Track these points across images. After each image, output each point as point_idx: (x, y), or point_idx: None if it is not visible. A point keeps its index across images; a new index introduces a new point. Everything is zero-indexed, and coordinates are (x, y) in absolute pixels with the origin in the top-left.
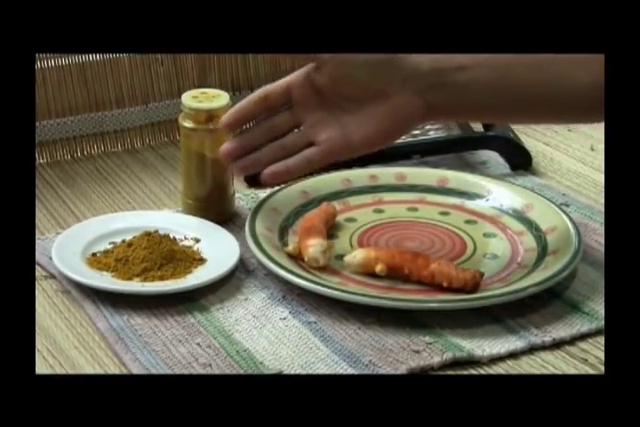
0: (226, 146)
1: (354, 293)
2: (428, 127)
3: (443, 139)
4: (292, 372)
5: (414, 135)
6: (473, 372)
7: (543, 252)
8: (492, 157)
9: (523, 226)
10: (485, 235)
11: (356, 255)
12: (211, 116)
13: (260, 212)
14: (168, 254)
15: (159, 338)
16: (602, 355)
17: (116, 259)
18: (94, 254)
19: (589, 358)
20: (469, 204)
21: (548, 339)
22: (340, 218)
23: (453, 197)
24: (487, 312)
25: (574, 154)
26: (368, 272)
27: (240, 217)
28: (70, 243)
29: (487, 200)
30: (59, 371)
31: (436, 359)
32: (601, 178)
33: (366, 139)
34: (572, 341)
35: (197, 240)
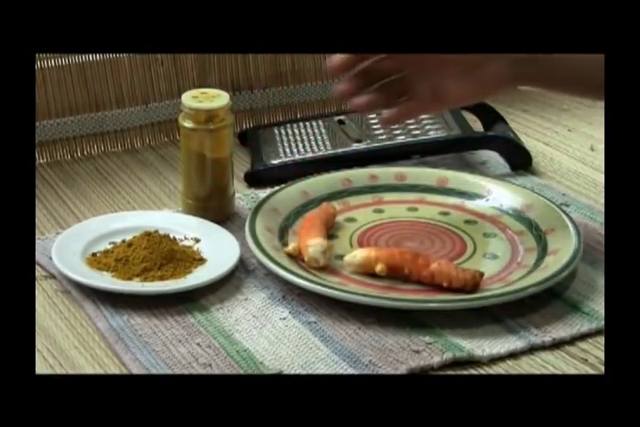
0: (341, 86)
1: (354, 293)
2: (428, 127)
3: (443, 139)
4: (292, 372)
5: (414, 135)
6: (473, 372)
7: (543, 252)
8: (492, 157)
9: (523, 226)
10: (485, 235)
11: (356, 255)
12: (211, 116)
13: (259, 212)
14: (168, 254)
15: (159, 338)
16: (602, 355)
17: (115, 259)
18: (94, 254)
19: (589, 358)
20: (469, 204)
21: (547, 339)
22: (339, 218)
23: (453, 197)
24: (487, 312)
25: (574, 154)
26: (368, 272)
27: (240, 217)
28: (70, 243)
29: (487, 200)
30: (59, 371)
31: (436, 359)
32: (601, 178)
33: (456, 98)
34: (572, 341)
35: (197, 240)
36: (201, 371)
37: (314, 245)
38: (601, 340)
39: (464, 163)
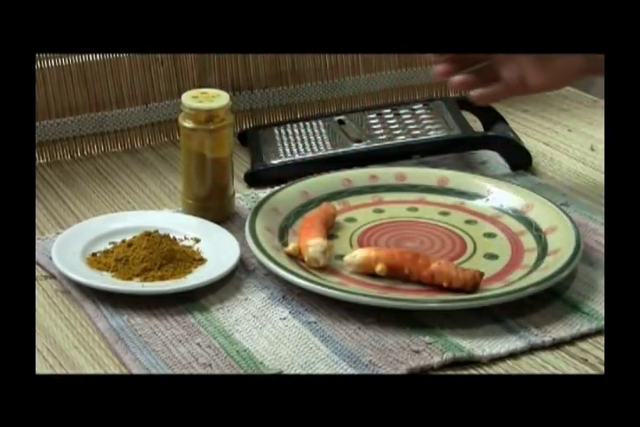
0: (440, 67)
1: (354, 293)
2: (428, 127)
3: (443, 139)
4: (292, 372)
5: (414, 135)
6: (473, 372)
7: (543, 252)
8: (492, 157)
9: (523, 226)
10: (485, 235)
11: (356, 255)
12: (211, 116)
13: (259, 212)
14: (168, 254)
15: (159, 338)
16: (602, 355)
17: (115, 259)
18: (94, 254)
19: (589, 358)
20: (469, 204)
21: (547, 339)
22: (339, 218)
23: (453, 197)
24: (487, 312)
25: (574, 154)
26: (368, 272)
27: (240, 217)
28: (70, 243)
29: (487, 200)
30: (59, 371)
31: (436, 359)
32: (601, 178)
33: (539, 84)
34: (572, 341)
35: (197, 240)
36: (201, 371)
37: (314, 245)
38: (601, 340)
39: (464, 163)
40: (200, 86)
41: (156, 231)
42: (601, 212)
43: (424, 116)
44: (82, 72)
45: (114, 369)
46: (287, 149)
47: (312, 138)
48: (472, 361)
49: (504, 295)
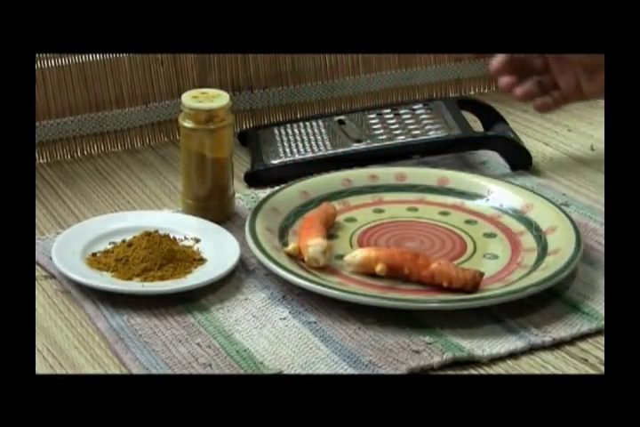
0: (505, 79)
1: (354, 293)
2: (428, 127)
3: (443, 139)
4: (292, 372)
5: (414, 135)
6: (473, 372)
7: (543, 252)
8: (492, 157)
9: (523, 226)
10: (485, 235)
11: (356, 255)
12: (211, 116)
13: (259, 212)
14: (168, 254)
15: (159, 338)
16: (602, 355)
17: (116, 259)
18: (94, 254)
19: (589, 358)
20: (469, 204)
21: (547, 339)
22: (340, 218)
23: (453, 197)
24: (487, 312)
25: (574, 154)
26: (368, 272)
27: (240, 217)
28: (70, 243)
29: (487, 200)
30: (59, 371)
31: (436, 359)
32: (601, 178)
33: (593, 90)
34: (572, 341)
35: (197, 240)
36: (201, 371)
37: (314, 245)
38: (601, 340)
39: (464, 163)
40: (200, 86)
41: (156, 231)
42: (601, 212)
43: (424, 116)
44: (82, 72)
45: (114, 369)
46: (287, 149)
47: (312, 138)
48: (472, 361)
49: (504, 295)
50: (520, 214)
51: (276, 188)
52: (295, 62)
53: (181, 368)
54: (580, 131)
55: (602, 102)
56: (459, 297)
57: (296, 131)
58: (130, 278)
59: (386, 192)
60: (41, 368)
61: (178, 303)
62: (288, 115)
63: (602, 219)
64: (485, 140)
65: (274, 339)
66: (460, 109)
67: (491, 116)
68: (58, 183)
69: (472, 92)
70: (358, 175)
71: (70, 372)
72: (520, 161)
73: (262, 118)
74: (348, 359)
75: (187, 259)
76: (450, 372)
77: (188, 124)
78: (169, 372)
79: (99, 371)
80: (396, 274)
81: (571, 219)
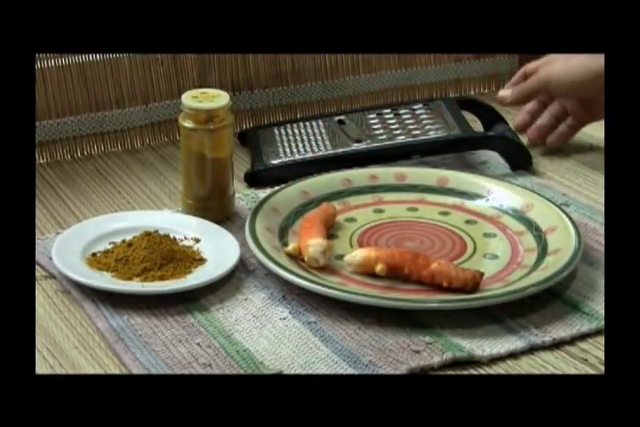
0: (520, 119)
1: (354, 293)
2: (428, 127)
3: (443, 139)
4: (292, 372)
5: (414, 135)
6: (473, 372)
7: (543, 252)
8: (492, 157)
9: (523, 226)
10: (485, 235)
11: (356, 255)
12: (211, 116)
13: (259, 212)
14: (168, 254)
15: (159, 338)
16: (602, 355)
17: (116, 259)
18: (94, 254)
19: (589, 358)
20: (469, 204)
21: (547, 339)
22: (340, 218)
23: (453, 197)
24: (487, 312)
25: (574, 154)
26: (368, 272)
27: (240, 217)
28: (70, 243)
29: (487, 200)
30: (59, 371)
31: (436, 359)
32: (601, 178)
33: (594, 116)
34: (572, 341)
35: (197, 240)
36: (201, 371)
37: (314, 245)
38: (601, 340)
39: (464, 163)
40: (200, 86)
41: (156, 231)
42: (601, 212)
43: (424, 116)
44: (82, 72)
45: (114, 369)
46: (287, 149)
47: (312, 138)
48: (472, 361)
49: (504, 295)
50: (520, 214)
51: (276, 188)
52: (295, 62)
53: (181, 368)
54: (580, 131)
55: None
56: (459, 297)
57: (296, 131)
58: (130, 278)
59: (386, 192)
60: (41, 368)
61: (178, 303)
62: (288, 115)
63: (602, 219)
64: (485, 140)
65: (274, 339)
66: (459, 109)
67: (491, 116)
68: (58, 183)
69: (472, 92)
70: (358, 175)
71: (70, 372)
72: (520, 161)
73: (262, 118)
74: (348, 359)
75: (187, 259)
76: (450, 372)
77: (187, 124)
78: (169, 372)
79: (99, 371)
80: (396, 274)
81: (571, 219)
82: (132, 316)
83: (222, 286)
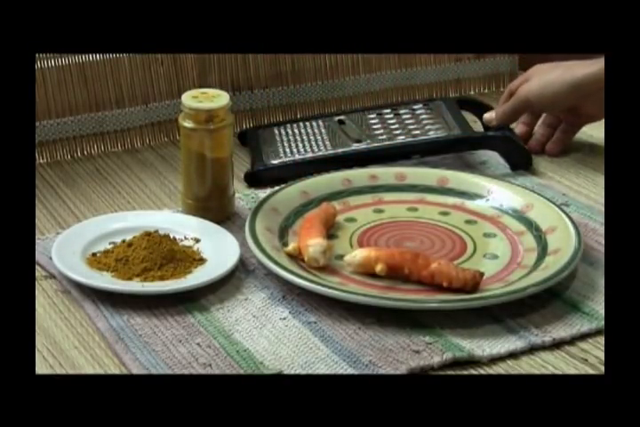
0: (519, 131)
1: (354, 293)
2: (428, 127)
3: (443, 139)
4: (292, 372)
5: (414, 135)
6: (473, 372)
7: (543, 252)
8: (492, 157)
9: (523, 226)
10: (485, 235)
11: (356, 255)
12: (211, 116)
13: (259, 212)
14: (168, 254)
15: (159, 338)
16: (602, 355)
17: (116, 259)
18: (94, 254)
19: (589, 358)
20: (469, 204)
21: (547, 339)
22: (340, 218)
23: (453, 197)
24: (487, 312)
25: (574, 154)
26: (368, 272)
27: (240, 217)
28: (70, 243)
29: (487, 200)
30: (59, 371)
31: (436, 359)
32: (601, 178)
33: (596, 113)
34: (572, 341)
35: (197, 240)
36: (201, 371)
37: (314, 245)
38: (601, 340)
39: (464, 163)
40: (200, 86)
41: (156, 231)
42: (601, 212)
43: (424, 116)
44: (82, 72)
45: (114, 369)
46: (287, 149)
47: (312, 138)
48: (472, 361)
49: (504, 295)
50: (520, 214)
51: (276, 188)
52: (295, 62)
53: (181, 368)
54: (580, 131)
55: None
56: (459, 297)
57: (296, 131)
58: (130, 278)
59: (386, 192)
60: (41, 368)
61: (178, 303)
62: (288, 115)
63: (602, 219)
64: (485, 140)
65: (274, 339)
66: (459, 109)
67: None
68: (58, 183)
69: (472, 92)
70: (358, 175)
71: (70, 372)
72: (520, 161)
73: (262, 118)
74: (348, 359)
75: (187, 259)
76: (450, 372)
77: (187, 124)
78: (169, 372)
79: (99, 371)
80: (396, 274)
81: (571, 219)
82: (131, 316)
83: (222, 286)
